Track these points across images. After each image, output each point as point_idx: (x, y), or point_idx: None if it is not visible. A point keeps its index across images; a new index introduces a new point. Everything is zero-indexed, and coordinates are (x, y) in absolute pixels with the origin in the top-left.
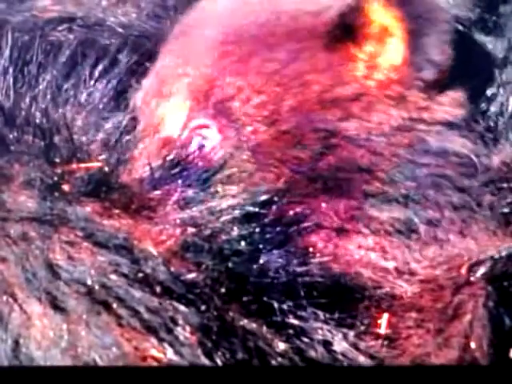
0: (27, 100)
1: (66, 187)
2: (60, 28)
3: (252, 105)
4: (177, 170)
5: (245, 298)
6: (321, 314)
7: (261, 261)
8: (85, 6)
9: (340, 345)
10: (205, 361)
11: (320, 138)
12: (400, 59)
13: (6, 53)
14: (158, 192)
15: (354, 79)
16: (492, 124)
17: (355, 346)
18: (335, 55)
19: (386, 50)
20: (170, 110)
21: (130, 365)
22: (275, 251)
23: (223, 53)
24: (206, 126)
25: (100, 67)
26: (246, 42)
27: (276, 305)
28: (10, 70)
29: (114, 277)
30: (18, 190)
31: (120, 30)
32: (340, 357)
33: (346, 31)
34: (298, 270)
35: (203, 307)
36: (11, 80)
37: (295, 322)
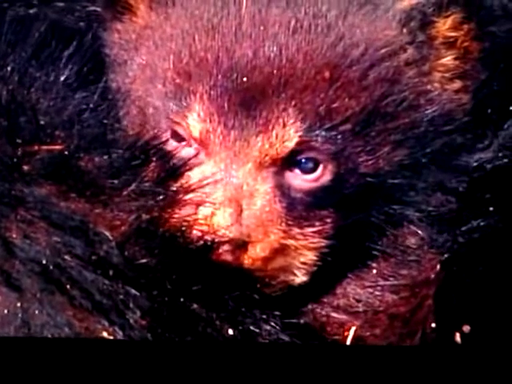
0: None
1: (25, 168)
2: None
3: None
4: (137, 162)
5: (196, 286)
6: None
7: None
8: None
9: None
10: None
11: None
12: None
13: None
14: (115, 181)
15: None
16: None
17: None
18: None
19: None
20: None
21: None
22: None
23: None
24: None
25: (67, 51)
26: None
27: (226, 293)
28: None
29: (68, 258)
30: None
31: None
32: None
33: None
34: None
35: (154, 292)
36: None
37: (244, 309)
